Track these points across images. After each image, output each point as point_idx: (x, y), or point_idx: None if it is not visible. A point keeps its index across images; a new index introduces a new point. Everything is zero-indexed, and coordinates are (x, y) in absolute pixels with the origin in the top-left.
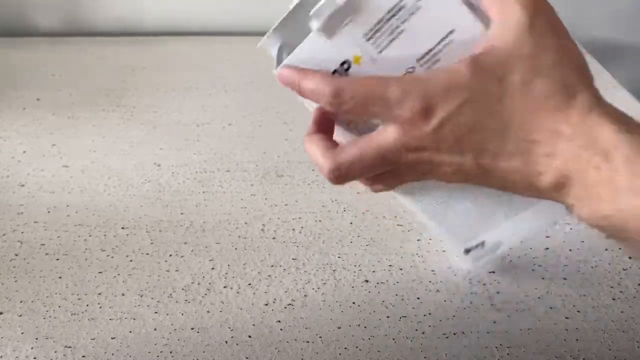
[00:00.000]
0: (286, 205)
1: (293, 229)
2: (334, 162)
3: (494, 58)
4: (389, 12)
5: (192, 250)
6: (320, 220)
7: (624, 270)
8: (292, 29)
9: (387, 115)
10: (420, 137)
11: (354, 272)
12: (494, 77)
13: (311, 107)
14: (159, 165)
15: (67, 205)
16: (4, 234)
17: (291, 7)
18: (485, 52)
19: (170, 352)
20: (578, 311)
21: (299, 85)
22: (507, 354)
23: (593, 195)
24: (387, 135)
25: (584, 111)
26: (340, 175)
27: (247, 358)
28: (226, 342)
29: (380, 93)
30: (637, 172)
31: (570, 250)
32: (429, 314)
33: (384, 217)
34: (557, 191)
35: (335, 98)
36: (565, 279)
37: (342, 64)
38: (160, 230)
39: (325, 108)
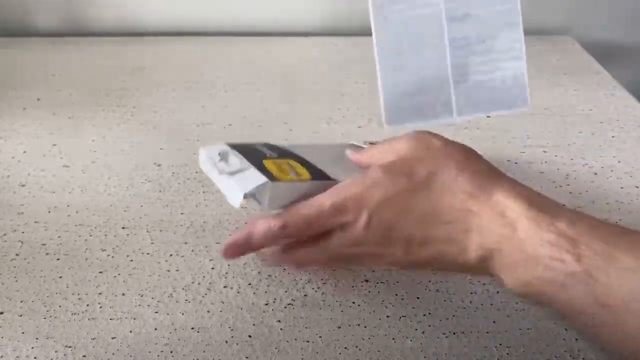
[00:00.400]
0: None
1: None
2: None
3: (399, 161)
4: None
5: (192, 250)
6: None
7: None
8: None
9: (327, 226)
10: (356, 236)
11: (354, 271)
12: (403, 174)
13: None
14: (159, 165)
15: (68, 205)
16: (5, 234)
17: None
18: (392, 160)
19: (171, 352)
20: None
21: (251, 235)
22: (507, 354)
23: (512, 264)
24: (329, 239)
25: (490, 189)
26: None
27: (247, 358)
28: (226, 341)
29: (316, 213)
30: (538, 241)
31: None
32: (429, 313)
33: None
34: (484, 263)
35: (282, 230)
36: None
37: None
38: (160, 230)
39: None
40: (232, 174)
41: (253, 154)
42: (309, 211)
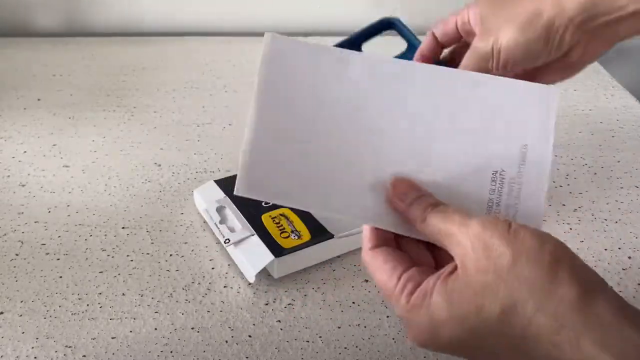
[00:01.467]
0: None
1: None
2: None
3: (464, 282)
4: None
5: (192, 250)
6: None
7: (624, 270)
8: None
9: None
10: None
11: (354, 272)
12: (470, 310)
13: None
14: (159, 165)
15: (68, 205)
16: (5, 234)
17: None
18: (454, 277)
19: (171, 352)
20: None
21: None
22: None
23: None
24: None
25: (577, 335)
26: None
27: (247, 358)
28: (226, 341)
29: (386, 297)
30: None
31: None
32: None
33: None
34: None
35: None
36: None
37: None
38: (160, 230)
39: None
40: (237, 244)
41: (248, 205)
42: (381, 286)
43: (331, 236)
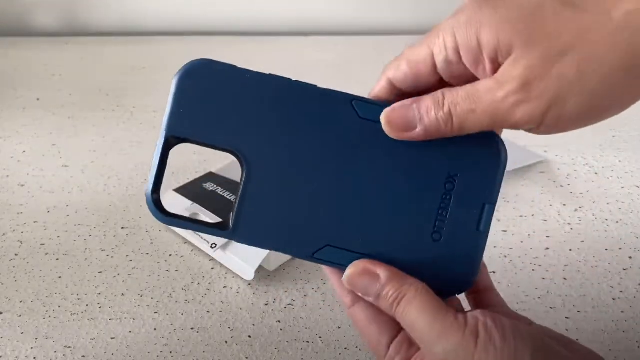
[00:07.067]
0: None
1: None
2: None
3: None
4: None
5: (192, 250)
6: None
7: (624, 270)
8: None
9: None
10: None
11: None
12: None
13: None
14: None
15: (67, 205)
16: (4, 234)
17: None
18: None
19: (170, 352)
20: (578, 311)
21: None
22: None
23: None
24: None
25: None
26: None
27: (247, 358)
28: (226, 342)
29: (373, 346)
30: None
31: (570, 250)
32: None
33: None
34: None
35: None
36: (565, 279)
37: None
38: (160, 230)
39: None
40: (225, 246)
41: (220, 206)
42: (367, 335)
43: None
